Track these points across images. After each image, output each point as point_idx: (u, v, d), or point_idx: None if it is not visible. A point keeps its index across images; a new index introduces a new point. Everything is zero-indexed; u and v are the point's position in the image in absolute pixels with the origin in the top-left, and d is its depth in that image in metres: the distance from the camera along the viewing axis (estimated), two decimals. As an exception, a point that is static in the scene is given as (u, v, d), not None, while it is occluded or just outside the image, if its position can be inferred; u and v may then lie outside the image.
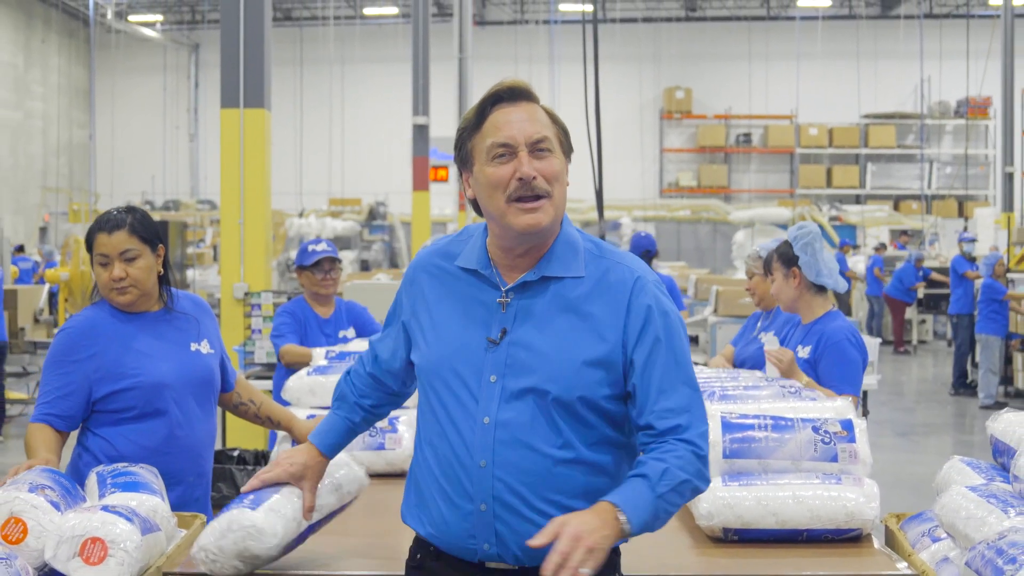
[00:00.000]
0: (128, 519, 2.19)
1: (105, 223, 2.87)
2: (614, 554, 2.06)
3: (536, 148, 2.00)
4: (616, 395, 2.02)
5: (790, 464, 2.64)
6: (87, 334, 2.85)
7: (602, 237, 7.53)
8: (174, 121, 28.94)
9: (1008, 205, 20.52)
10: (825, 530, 2.54)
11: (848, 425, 2.69)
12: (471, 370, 2.02)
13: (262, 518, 2.20)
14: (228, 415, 5.99)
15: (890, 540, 2.71)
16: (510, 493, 1.97)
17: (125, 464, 2.64)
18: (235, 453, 4.61)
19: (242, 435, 6.19)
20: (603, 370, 2.00)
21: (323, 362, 3.63)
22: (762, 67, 26.93)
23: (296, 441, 3.14)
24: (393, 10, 27.64)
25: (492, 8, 28.41)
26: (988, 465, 2.64)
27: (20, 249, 18.04)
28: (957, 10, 26.79)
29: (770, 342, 3.67)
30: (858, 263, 18.19)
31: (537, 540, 1.83)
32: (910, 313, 16.49)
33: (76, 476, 2.69)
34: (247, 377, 6.22)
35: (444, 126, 14.63)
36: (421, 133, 16.21)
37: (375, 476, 2.91)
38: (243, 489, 2.31)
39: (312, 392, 3.42)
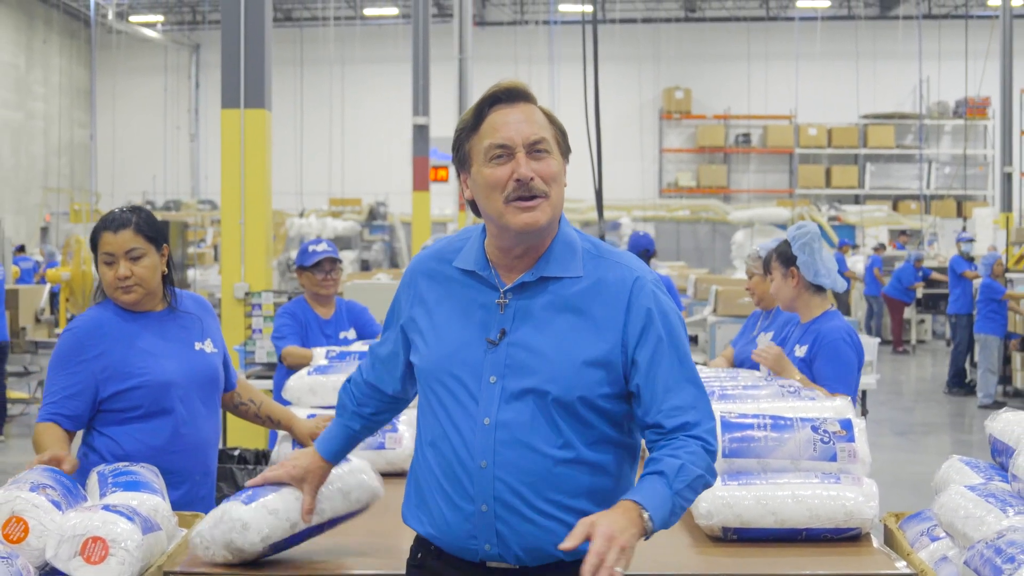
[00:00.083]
0: (129, 518, 2.19)
1: (111, 222, 2.88)
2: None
3: (534, 149, 2.00)
4: (616, 394, 2.02)
5: (789, 463, 2.64)
6: (93, 334, 2.86)
7: (602, 237, 7.55)
8: (175, 121, 28.94)
9: (1007, 205, 20.53)
10: (824, 529, 2.55)
11: (847, 424, 2.69)
12: (471, 371, 2.02)
13: (250, 514, 2.26)
14: (228, 415, 6.00)
15: (889, 539, 2.72)
16: (511, 493, 1.98)
17: (126, 463, 2.65)
18: (236, 452, 4.61)
19: (243, 435, 6.19)
20: (603, 370, 2.00)
21: (323, 362, 3.63)
22: (761, 67, 26.94)
23: (296, 440, 3.16)
24: (393, 11, 27.65)
25: (492, 9, 28.42)
26: (987, 464, 2.64)
27: (21, 249, 18.05)
28: (956, 11, 26.79)
29: (763, 341, 3.68)
30: (857, 263, 18.20)
31: (569, 542, 1.83)
32: (909, 313, 16.50)
33: (82, 476, 2.70)
34: (248, 377, 6.23)
35: (444, 126, 14.60)
36: (421, 133, 16.21)
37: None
38: (246, 484, 2.35)
39: (313, 391, 3.42)
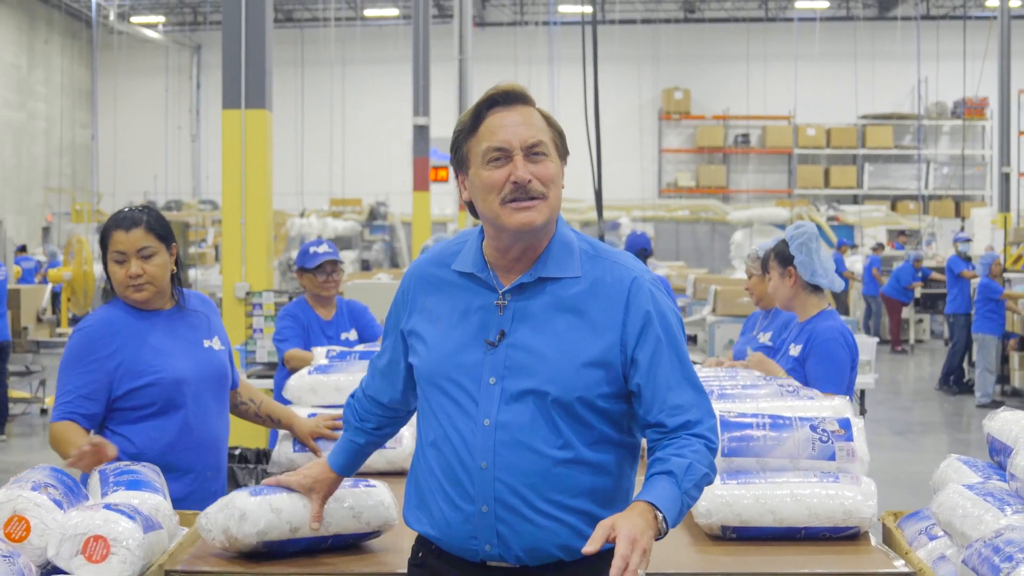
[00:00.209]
0: (130, 517, 2.19)
1: (122, 220, 2.89)
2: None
3: (531, 152, 2.01)
4: (615, 394, 2.03)
5: (788, 462, 2.65)
6: (105, 332, 2.86)
7: (601, 237, 7.56)
8: (176, 122, 28.93)
9: (1005, 205, 20.55)
10: (823, 528, 2.56)
11: (846, 424, 2.70)
12: (470, 373, 2.03)
13: (252, 506, 2.32)
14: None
15: (887, 538, 2.72)
16: (511, 494, 1.99)
17: (127, 462, 2.66)
18: (237, 451, 4.62)
19: (244, 434, 6.18)
20: (602, 370, 2.01)
21: (324, 361, 3.64)
22: (760, 68, 26.93)
23: (297, 439, 3.17)
24: (394, 11, 27.64)
25: (492, 9, 28.41)
26: (985, 463, 2.65)
27: (23, 249, 18.07)
28: (954, 11, 26.80)
29: (751, 356, 3.71)
30: (856, 263, 18.21)
31: (591, 545, 1.82)
32: (907, 313, 16.51)
33: (84, 475, 2.70)
34: (249, 376, 6.25)
35: (444, 127, 14.54)
36: (421, 134, 16.22)
37: (375, 475, 2.93)
38: (263, 483, 2.42)
39: (313, 391, 3.42)
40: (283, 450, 3.18)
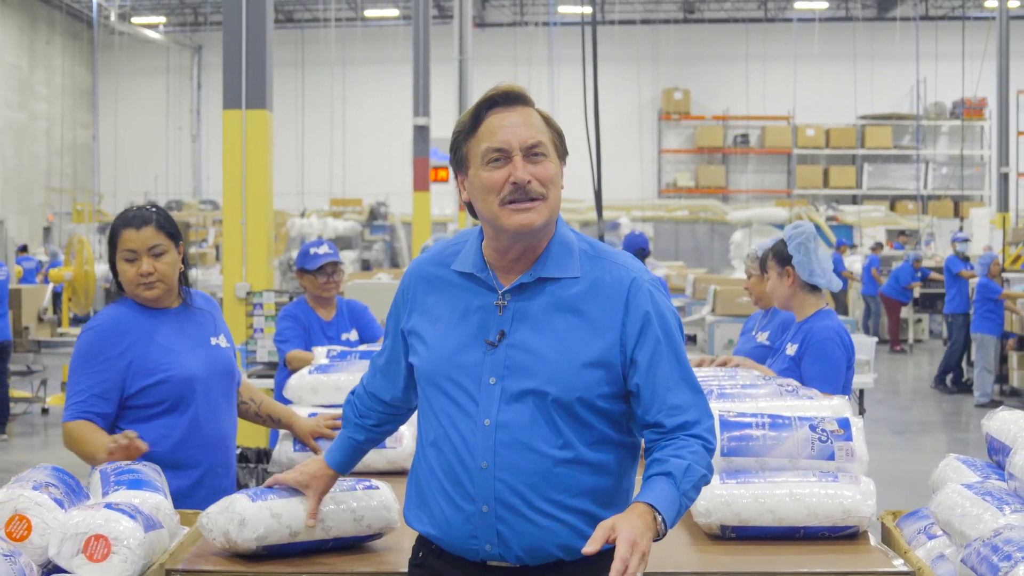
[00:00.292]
0: (131, 516, 2.20)
1: (132, 219, 2.90)
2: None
3: (531, 153, 2.01)
4: (614, 394, 2.04)
5: (787, 462, 2.65)
6: (115, 331, 2.87)
7: (601, 237, 7.57)
8: (177, 122, 28.92)
9: (1003, 205, 20.56)
10: (822, 527, 2.56)
11: (845, 423, 2.71)
12: (470, 373, 2.03)
13: (251, 511, 2.33)
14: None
15: (886, 537, 2.73)
16: (512, 494, 1.99)
17: (128, 462, 2.67)
18: (238, 451, 4.62)
19: (244, 433, 6.19)
20: (602, 370, 2.01)
21: (324, 360, 3.64)
22: (759, 68, 26.93)
23: (297, 439, 3.18)
24: (394, 12, 27.63)
25: (492, 10, 28.41)
26: (983, 463, 2.65)
27: (24, 249, 18.07)
28: (953, 12, 26.80)
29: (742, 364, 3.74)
30: (855, 263, 18.22)
31: (591, 546, 1.83)
32: (906, 312, 16.53)
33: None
34: (249, 376, 6.25)
35: (444, 127, 14.51)
36: (421, 134, 16.22)
37: (376, 474, 2.94)
38: (264, 485, 2.42)
39: (314, 390, 3.43)
40: (284, 450, 3.19)
